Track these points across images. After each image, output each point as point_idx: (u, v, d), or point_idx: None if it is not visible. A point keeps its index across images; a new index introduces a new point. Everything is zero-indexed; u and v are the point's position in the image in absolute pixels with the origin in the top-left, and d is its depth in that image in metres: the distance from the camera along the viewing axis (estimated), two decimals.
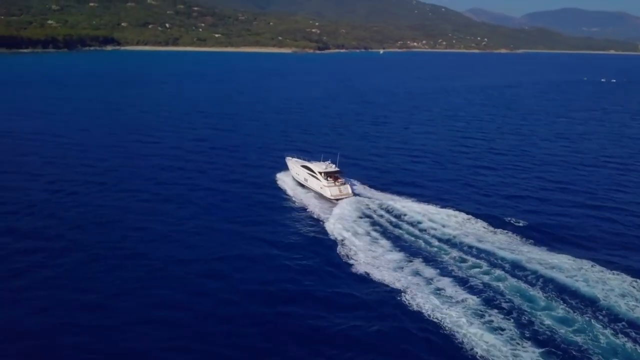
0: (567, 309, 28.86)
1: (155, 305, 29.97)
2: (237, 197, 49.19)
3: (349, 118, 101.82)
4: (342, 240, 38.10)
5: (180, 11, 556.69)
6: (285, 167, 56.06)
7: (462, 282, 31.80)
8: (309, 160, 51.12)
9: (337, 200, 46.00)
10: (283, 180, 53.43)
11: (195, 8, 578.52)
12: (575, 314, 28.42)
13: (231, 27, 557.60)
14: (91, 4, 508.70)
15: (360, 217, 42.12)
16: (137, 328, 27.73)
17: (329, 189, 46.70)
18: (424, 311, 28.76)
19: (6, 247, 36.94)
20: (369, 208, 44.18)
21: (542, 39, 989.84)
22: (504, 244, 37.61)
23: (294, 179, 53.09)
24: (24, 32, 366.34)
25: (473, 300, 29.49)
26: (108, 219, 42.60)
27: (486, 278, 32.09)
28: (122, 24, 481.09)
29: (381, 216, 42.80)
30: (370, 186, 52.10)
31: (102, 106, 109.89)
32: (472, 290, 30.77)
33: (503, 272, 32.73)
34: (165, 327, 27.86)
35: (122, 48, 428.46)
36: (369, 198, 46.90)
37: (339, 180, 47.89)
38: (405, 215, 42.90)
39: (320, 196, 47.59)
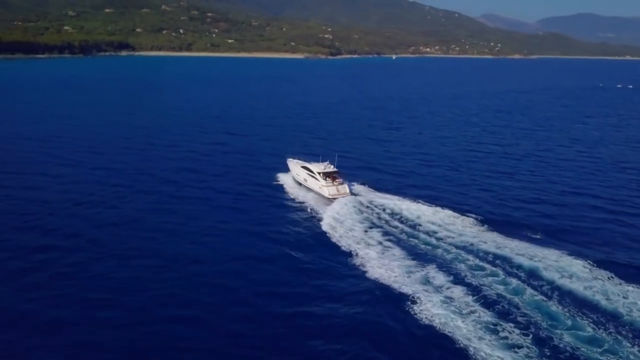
0: (590, 324, 27.49)
1: (168, 304, 30.10)
2: (245, 199, 50.12)
3: (362, 123, 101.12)
4: (340, 237, 38.95)
5: (194, 17, 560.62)
6: (287, 168, 57.38)
7: (476, 291, 30.69)
8: (308, 162, 52.66)
9: (335, 199, 47.39)
10: (284, 180, 55.04)
11: (209, 14, 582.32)
12: (600, 330, 27.04)
13: (244, 33, 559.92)
14: (107, 10, 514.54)
15: (355, 215, 43.25)
16: (150, 326, 27.81)
17: (327, 189, 48.32)
18: (435, 324, 27.65)
19: (23, 244, 37.59)
20: (365, 206, 45.27)
21: (556, 45, 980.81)
22: (522, 249, 36.54)
23: (294, 179, 54.57)
24: (41, 37, 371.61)
25: (487, 313, 28.37)
26: (123, 219, 43.31)
27: (501, 288, 30.95)
28: (137, 29, 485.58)
29: (377, 214, 43.51)
30: (376, 188, 52.31)
31: (118, 110, 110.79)
32: (485, 301, 29.62)
33: (519, 282, 31.60)
34: (179, 326, 27.96)
35: (137, 53, 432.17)
36: (366, 197, 48.08)
37: (337, 180, 49.49)
38: (403, 215, 43.40)
39: (319, 195, 49.05)
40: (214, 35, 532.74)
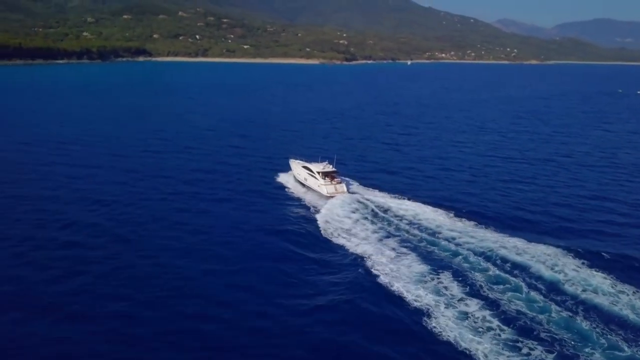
0: (621, 341, 26.00)
1: (185, 314, 29.77)
2: (255, 200, 51.20)
3: (378, 128, 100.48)
4: (336, 235, 40.31)
5: (211, 23, 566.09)
6: (289, 169, 59.62)
7: (494, 305, 29.45)
8: (309, 162, 55.00)
9: (333, 197, 49.57)
10: (286, 180, 57.39)
11: (225, 20, 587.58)
12: (634, 348, 25.63)
13: (260, 39, 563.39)
14: (125, 17, 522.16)
15: (351, 213, 44.65)
16: (167, 337, 27.48)
17: (326, 187, 50.63)
18: (450, 338, 26.46)
19: (48, 242, 38.44)
20: (361, 204, 46.72)
21: (573, 50, 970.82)
22: (542, 258, 35.17)
23: (295, 179, 56.96)
24: (61, 43, 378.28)
25: (506, 329, 27.11)
26: (143, 219, 44.13)
27: (521, 303, 29.56)
28: (154, 35, 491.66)
29: (373, 213, 44.67)
30: (383, 190, 52.85)
31: (134, 115, 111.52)
32: (505, 316, 28.39)
33: (541, 296, 30.27)
34: (196, 337, 27.68)
35: (153, 59, 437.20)
36: (364, 196, 49.54)
37: (335, 180, 51.83)
38: (400, 215, 44.11)
39: (318, 194, 51.29)
40: (229, 41, 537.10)
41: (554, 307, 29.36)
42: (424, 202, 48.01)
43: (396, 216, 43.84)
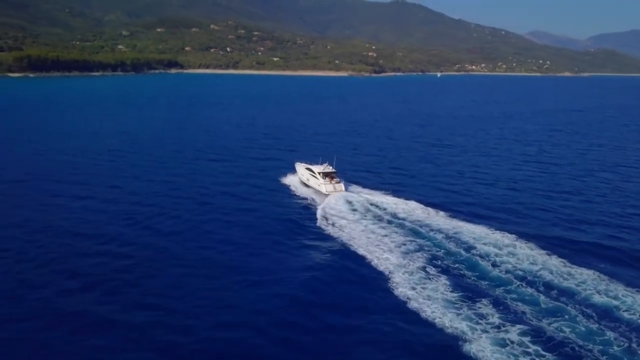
0: None
1: (219, 312, 30.85)
2: (267, 199, 55.46)
3: (411, 140, 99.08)
4: (333, 230, 43.92)
5: (241, 36, 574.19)
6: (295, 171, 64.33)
7: (538, 331, 27.68)
8: (311, 164, 60.20)
9: (331, 194, 54.52)
10: (292, 181, 62.65)
11: (256, 33, 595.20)
12: None
13: (289, 51, 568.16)
14: (158, 30, 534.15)
15: (349, 210, 48.79)
16: (204, 332, 28.38)
17: (325, 186, 55.64)
18: None
19: (83, 251, 39.50)
20: (357, 202, 51.22)
21: (609, 62, 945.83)
22: (589, 281, 33.26)
23: (299, 179, 62.29)
24: (96, 56, 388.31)
25: (550, 355, 25.40)
26: (178, 228, 45.32)
27: (568, 330, 27.65)
28: (186, 48, 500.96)
29: (372, 212, 48.17)
30: (404, 196, 53.94)
31: (169, 125, 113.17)
32: (552, 343, 26.62)
33: (593, 323, 28.37)
34: (231, 333, 28.49)
35: (185, 71, 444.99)
36: (359, 194, 54.17)
37: (335, 179, 56.74)
38: (399, 214, 47.16)
39: (318, 192, 56.13)
40: (259, 54, 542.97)
41: (610, 334, 27.40)
42: (437, 208, 49.82)
43: (389, 212, 47.47)
